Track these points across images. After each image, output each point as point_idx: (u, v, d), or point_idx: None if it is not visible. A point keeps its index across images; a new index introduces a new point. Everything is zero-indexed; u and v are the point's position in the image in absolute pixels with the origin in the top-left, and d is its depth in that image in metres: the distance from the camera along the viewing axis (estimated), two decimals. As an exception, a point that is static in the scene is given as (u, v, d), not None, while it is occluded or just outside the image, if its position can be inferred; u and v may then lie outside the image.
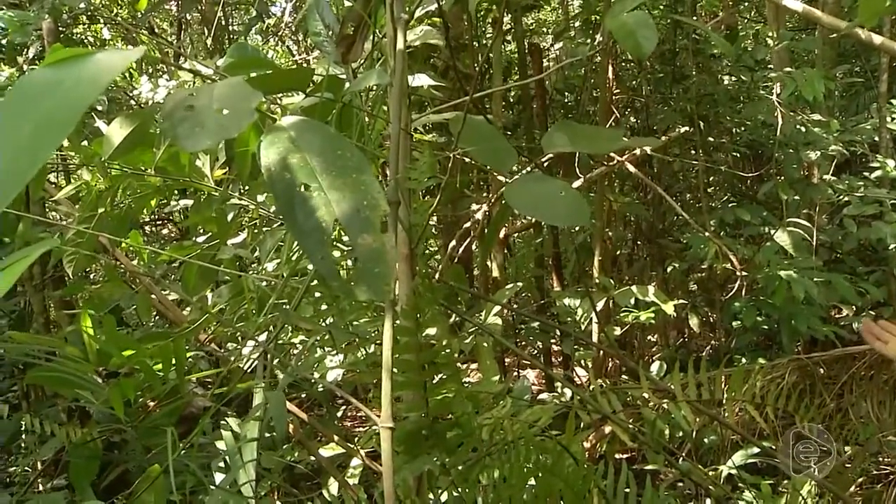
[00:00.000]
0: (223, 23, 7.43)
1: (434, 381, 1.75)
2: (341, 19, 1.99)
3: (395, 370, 1.72)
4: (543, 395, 4.47)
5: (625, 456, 5.37)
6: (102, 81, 0.87)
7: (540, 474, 2.01)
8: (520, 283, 4.62)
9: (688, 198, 6.83)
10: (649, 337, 7.33)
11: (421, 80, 2.65)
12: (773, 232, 4.64)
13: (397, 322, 1.78)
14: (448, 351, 1.85)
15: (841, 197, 5.64)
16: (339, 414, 4.59)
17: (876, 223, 5.29)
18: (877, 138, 5.90)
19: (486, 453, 1.78)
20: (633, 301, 4.08)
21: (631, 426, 4.15)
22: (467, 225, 4.42)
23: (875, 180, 5.66)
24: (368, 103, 2.07)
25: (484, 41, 6.81)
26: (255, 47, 3.94)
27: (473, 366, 4.49)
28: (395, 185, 1.45)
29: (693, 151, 6.69)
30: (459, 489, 1.75)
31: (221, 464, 2.61)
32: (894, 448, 4.07)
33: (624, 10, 1.49)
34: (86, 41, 6.21)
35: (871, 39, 3.20)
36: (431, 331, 1.72)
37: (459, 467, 1.80)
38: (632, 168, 4.38)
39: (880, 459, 4.31)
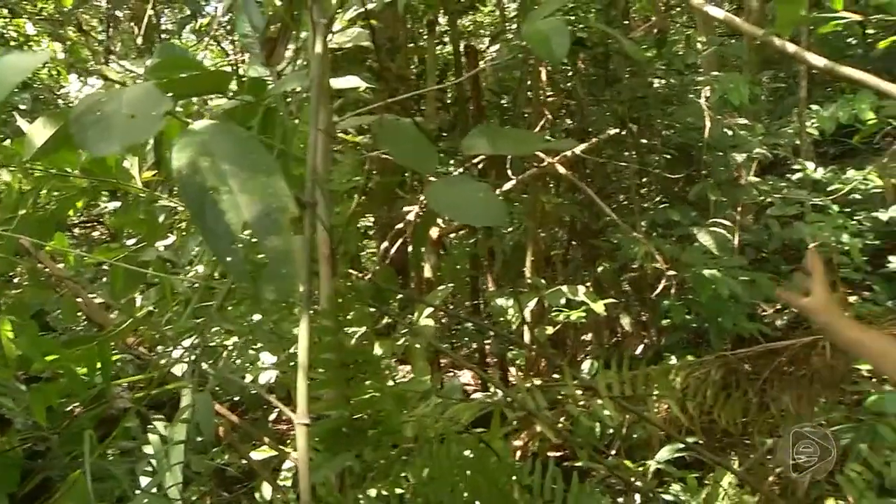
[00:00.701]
0: (154, 21, 7.33)
1: (355, 380, 1.78)
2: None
3: (315, 369, 1.74)
4: (477, 395, 4.52)
5: (558, 454, 5.45)
6: (5, 86, 0.87)
7: (463, 471, 2.05)
8: (451, 284, 4.66)
9: (621, 199, 6.95)
10: (584, 336, 7.43)
11: (350, 81, 2.67)
12: (698, 233, 4.77)
13: (322, 321, 1.80)
14: (371, 349, 1.88)
15: (764, 198, 5.81)
16: (273, 417, 4.58)
17: (797, 223, 5.47)
18: (798, 142, 6.08)
19: (408, 450, 1.81)
20: (563, 301, 4.16)
21: (561, 424, 4.22)
22: (400, 226, 4.46)
23: (797, 182, 5.84)
24: (293, 106, 2.08)
25: (420, 43, 6.84)
26: (185, 48, 3.91)
27: (408, 367, 4.52)
28: (311, 186, 1.47)
29: (627, 153, 6.82)
30: (381, 486, 1.77)
31: (149, 468, 2.58)
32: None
33: (540, 17, 1.53)
34: (6, 36, 6.06)
35: (785, 48, 3.30)
36: (353, 330, 1.75)
37: (384, 463, 1.82)
38: (562, 170, 4.45)
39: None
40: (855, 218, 5.82)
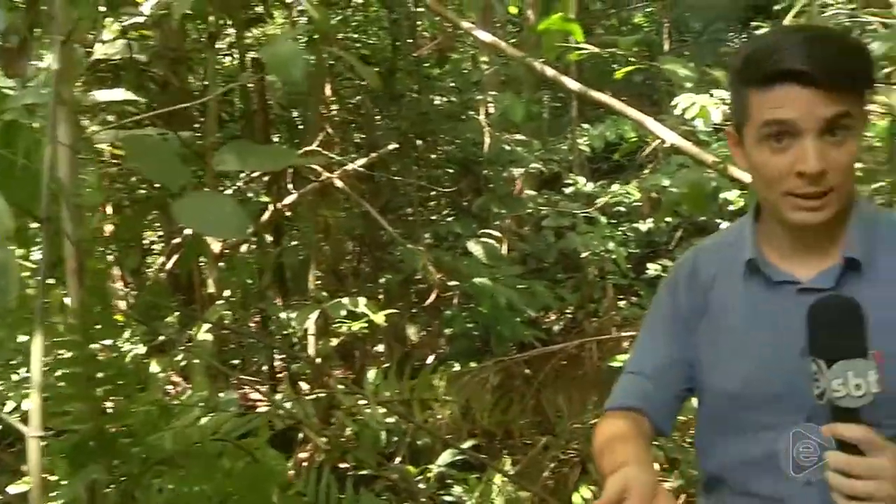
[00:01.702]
0: None
1: (107, 393, 1.77)
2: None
3: (60, 383, 1.72)
4: (262, 409, 4.51)
5: (347, 464, 5.52)
6: None
7: (229, 482, 2.07)
8: (232, 298, 4.62)
9: (409, 212, 7.14)
10: (376, 347, 7.55)
11: (115, 94, 2.63)
12: (468, 244, 5.02)
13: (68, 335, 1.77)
14: (123, 362, 1.87)
15: (541, 211, 6.19)
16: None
17: (570, 234, 5.86)
18: (571, 157, 6.53)
19: (160, 460, 1.81)
20: (344, 313, 4.24)
21: (347, 433, 4.31)
22: (178, 240, 4.37)
23: (570, 195, 6.26)
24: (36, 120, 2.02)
25: (204, 55, 6.72)
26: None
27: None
28: (48, 201, 1.46)
29: (415, 167, 7.02)
30: (135, 497, 1.77)
31: None
32: (578, 435, 4.52)
33: (282, 41, 1.60)
34: None
35: (544, 71, 3.57)
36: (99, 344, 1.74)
37: (137, 474, 1.82)
38: (340, 183, 4.55)
39: (570, 446, 4.76)
40: (620, 229, 6.33)
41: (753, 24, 7.29)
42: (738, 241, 1.41)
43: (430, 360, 7.04)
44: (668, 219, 5.81)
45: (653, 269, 5.83)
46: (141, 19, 3.33)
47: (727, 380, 1.38)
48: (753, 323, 1.37)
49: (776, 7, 5.39)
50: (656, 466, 4.42)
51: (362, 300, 4.26)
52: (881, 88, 3.38)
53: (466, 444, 4.60)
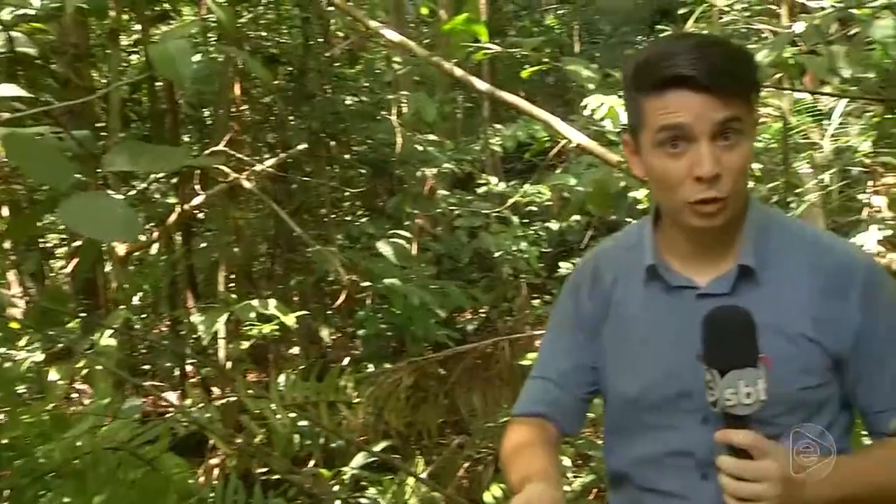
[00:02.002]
0: None
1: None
2: None
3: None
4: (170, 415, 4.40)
5: (265, 469, 5.43)
6: None
7: (127, 491, 2.01)
8: (140, 302, 4.50)
9: (322, 212, 7.08)
10: (291, 350, 7.47)
11: (5, 90, 2.53)
12: (377, 244, 5.00)
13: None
14: (17, 371, 1.80)
15: (455, 210, 6.21)
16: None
17: (482, 234, 5.90)
18: (484, 157, 6.57)
19: (54, 472, 1.75)
20: (253, 315, 4.17)
21: (259, 437, 4.23)
22: (79, 243, 4.22)
23: (482, 195, 6.30)
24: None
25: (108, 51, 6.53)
26: None
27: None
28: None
29: (329, 168, 6.96)
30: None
31: None
32: (492, 433, 4.55)
33: (172, 38, 1.55)
34: None
35: (453, 71, 3.58)
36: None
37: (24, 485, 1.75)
38: (248, 184, 4.47)
39: (484, 444, 4.79)
40: (532, 228, 6.40)
41: (659, 27, 7.46)
42: (638, 245, 1.43)
43: (346, 361, 7.01)
44: (578, 217, 5.89)
45: (565, 267, 5.91)
46: (32, 12, 3.21)
47: (628, 384, 1.41)
48: (653, 328, 1.39)
49: (680, 11, 5.52)
50: (567, 462, 4.49)
51: (272, 302, 4.19)
52: (773, 92, 3.50)
53: (381, 446, 4.58)
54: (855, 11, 2.51)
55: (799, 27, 2.84)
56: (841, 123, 3.96)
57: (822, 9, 2.87)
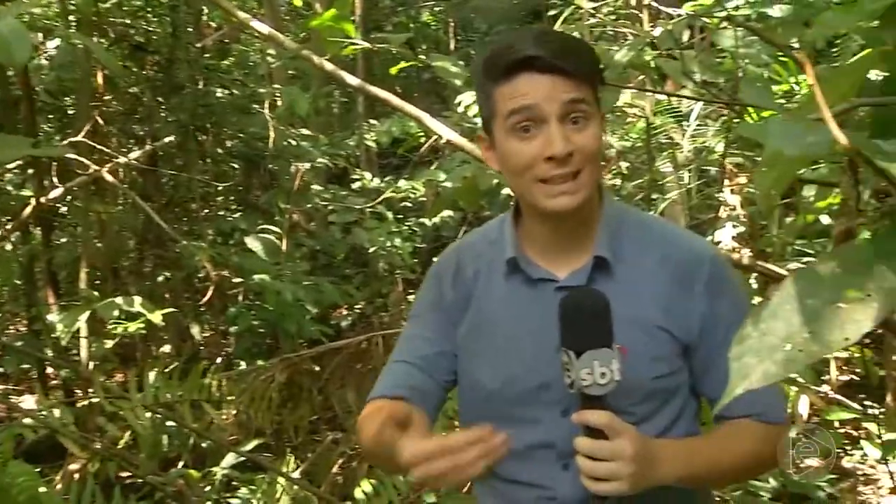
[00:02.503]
0: None
1: None
2: None
3: None
4: (27, 421, 4.20)
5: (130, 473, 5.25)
6: None
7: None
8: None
9: (194, 207, 6.89)
10: (163, 348, 7.24)
11: None
12: (246, 239, 4.92)
13: None
14: None
15: (329, 206, 6.16)
16: None
17: (357, 229, 5.88)
18: (359, 153, 6.54)
19: None
20: (117, 313, 4.02)
21: (125, 439, 4.09)
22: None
23: (357, 190, 6.27)
24: None
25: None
26: None
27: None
28: None
29: (201, 161, 6.77)
30: None
31: None
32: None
33: (4, 18, 1.47)
34: None
35: (323, 65, 3.54)
36: None
37: None
38: (110, 178, 4.31)
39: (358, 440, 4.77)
40: (407, 223, 6.41)
41: (532, 26, 7.61)
42: (499, 239, 1.46)
43: (219, 359, 6.85)
44: (452, 213, 5.94)
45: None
46: None
47: (489, 377, 1.43)
48: (514, 321, 1.42)
49: (550, 13, 5.65)
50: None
51: (137, 299, 4.06)
52: (634, 93, 3.63)
53: (251, 445, 4.51)
54: (706, 20, 2.64)
55: (657, 32, 2.97)
56: (699, 125, 4.15)
57: (680, 16, 3.00)
